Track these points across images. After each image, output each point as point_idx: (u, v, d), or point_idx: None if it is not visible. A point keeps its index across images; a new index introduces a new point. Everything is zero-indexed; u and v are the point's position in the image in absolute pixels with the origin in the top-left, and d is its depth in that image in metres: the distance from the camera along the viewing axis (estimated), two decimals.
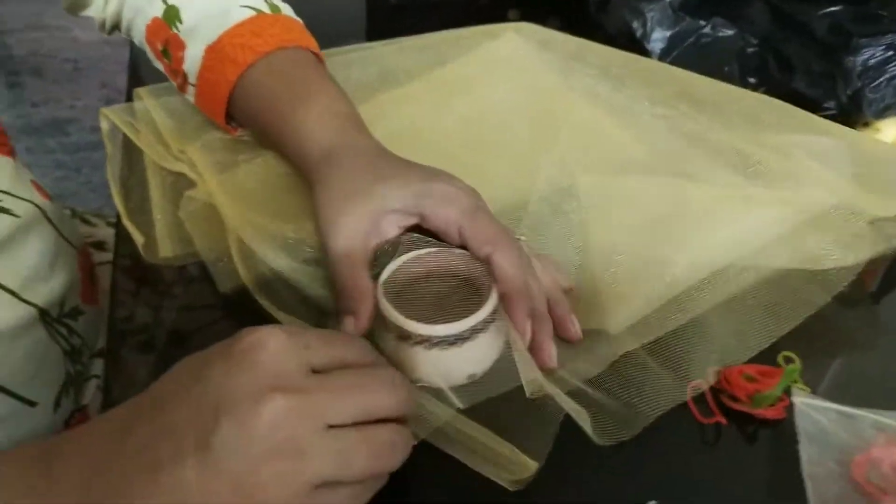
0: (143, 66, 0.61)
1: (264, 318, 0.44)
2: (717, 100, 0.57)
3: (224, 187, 0.48)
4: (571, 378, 0.40)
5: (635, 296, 0.44)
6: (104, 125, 0.56)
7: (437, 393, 0.38)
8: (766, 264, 0.47)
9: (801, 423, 0.40)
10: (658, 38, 0.65)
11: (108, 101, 1.91)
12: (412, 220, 0.41)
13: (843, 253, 0.46)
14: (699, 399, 0.41)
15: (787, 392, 0.41)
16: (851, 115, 0.61)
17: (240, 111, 0.51)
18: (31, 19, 2.17)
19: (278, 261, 0.44)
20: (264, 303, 0.42)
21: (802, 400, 0.41)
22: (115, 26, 0.57)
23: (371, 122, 0.49)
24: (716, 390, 0.42)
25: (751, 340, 0.44)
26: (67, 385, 0.51)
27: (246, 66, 0.48)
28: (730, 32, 0.66)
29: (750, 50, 0.66)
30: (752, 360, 0.43)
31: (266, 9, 0.51)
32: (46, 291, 0.49)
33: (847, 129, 0.55)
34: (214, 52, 0.49)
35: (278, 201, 0.49)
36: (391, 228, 0.41)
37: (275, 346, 0.29)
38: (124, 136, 0.55)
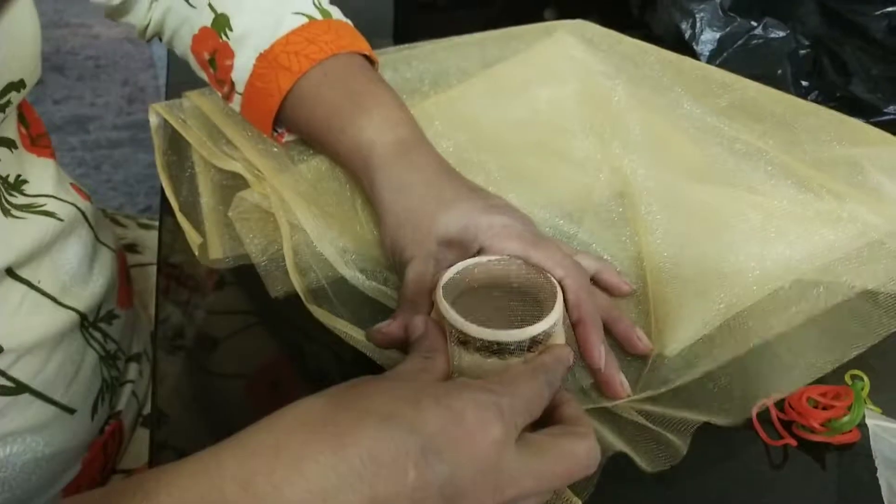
0: (174, 64, 0.60)
1: (300, 328, 0.43)
2: (778, 112, 0.55)
3: (285, 188, 0.47)
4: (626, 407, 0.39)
5: (693, 315, 0.42)
6: (153, 120, 0.55)
7: None
8: (832, 281, 0.45)
9: (878, 448, 0.38)
10: (708, 39, 0.63)
11: (130, 99, 1.91)
12: (472, 251, 0.41)
13: None
14: (764, 421, 0.39)
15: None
16: None
17: (292, 119, 0.50)
18: (54, 16, 2.17)
19: (342, 267, 0.43)
20: (315, 310, 0.41)
21: (877, 423, 0.39)
22: (157, 34, 0.56)
23: (425, 121, 0.48)
24: (785, 422, 0.40)
25: (812, 363, 0.42)
26: (103, 391, 0.50)
27: (301, 73, 0.47)
28: (781, 34, 0.63)
29: (802, 52, 0.63)
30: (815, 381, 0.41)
31: (318, 15, 0.50)
32: (86, 296, 0.48)
33: None
34: (266, 60, 0.48)
35: (338, 204, 0.48)
36: (451, 257, 0.41)
37: (495, 435, 0.29)
38: (171, 133, 0.54)
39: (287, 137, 0.52)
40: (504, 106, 0.57)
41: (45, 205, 0.46)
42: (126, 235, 0.66)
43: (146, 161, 1.70)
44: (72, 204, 0.48)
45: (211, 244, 0.47)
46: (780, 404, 0.40)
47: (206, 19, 0.50)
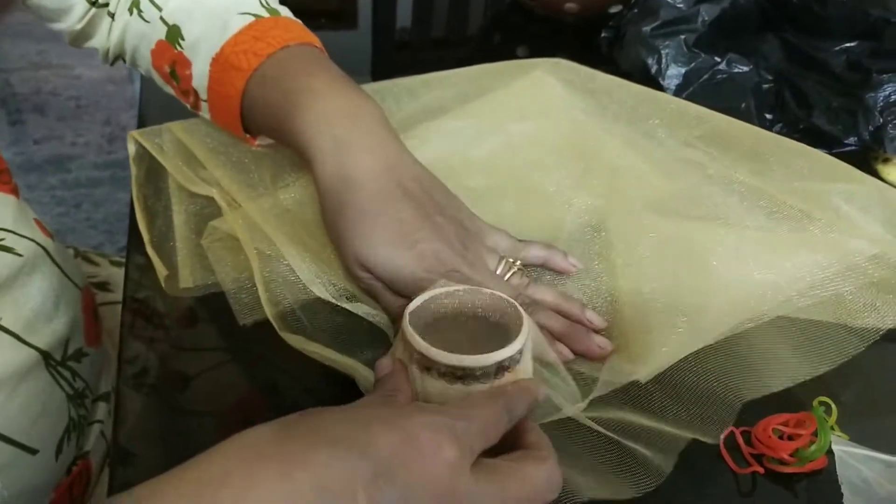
0: (151, 101, 0.60)
1: (270, 362, 0.43)
2: (748, 144, 0.56)
3: (259, 213, 0.47)
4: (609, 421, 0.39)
5: (665, 343, 0.42)
6: (131, 148, 0.55)
7: None
8: (799, 315, 0.45)
9: (844, 473, 0.38)
10: (673, 74, 0.65)
11: (111, 139, 1.92)
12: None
13: (885, 309, 0.45)
14: (731, 448, 0.39)
15: None
16: (871, 150, 0.61)
17: (251, 119, 0.49)
18: (35, 58, 2.18)
19: (318, 288, 0.43)
20: (287, 336, 0.41)
21: (843, 449, 0.39)
22: (119, 56, 0.57)
23: None
24: (754, 455, 0.40)
25: (773, 380, 0.42)
26: (70, 431, 0.49)
27: (251, 70, 0.47)
28: (745, 69, 0.65)
29: (766, 86, 0.65)
30: (777, 407, 0.41)
31: (265, 13, 0.50)
32: (49, 333, 0.47)
33: (876, 180, 0.53)
34: (219, 63, 0.48)
35: (313, 234, 0.48)
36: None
37: (449, 457, 0.28)
38: (148, 163, 0.54)
39: (260, 140, 0.52)
40: (479, 141, 0.57)
41: (3, 239, 0.45)
42: (98, 273, 0.66)
43: (126, 200, 1.69)
44: (31, 240, 0.48)
45: (182, 273, 0.47)
46: (746, 438, 0.40)
47: (161, 33, 0.50)
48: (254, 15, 0.49)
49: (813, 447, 0.38)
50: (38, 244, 0.48)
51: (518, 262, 0.46)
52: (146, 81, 0.67)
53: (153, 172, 0.54)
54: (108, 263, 0.68)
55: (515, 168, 0.56)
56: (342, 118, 0.44)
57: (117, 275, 0.67)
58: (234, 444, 0.28)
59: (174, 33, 0.50)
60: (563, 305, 0.44)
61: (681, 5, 0.66)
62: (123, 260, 0.69)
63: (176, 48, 0.50)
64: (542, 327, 0.42)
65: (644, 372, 0.41)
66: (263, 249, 0.45)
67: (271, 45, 0.47)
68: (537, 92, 0.63)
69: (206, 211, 0.51)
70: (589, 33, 0.74)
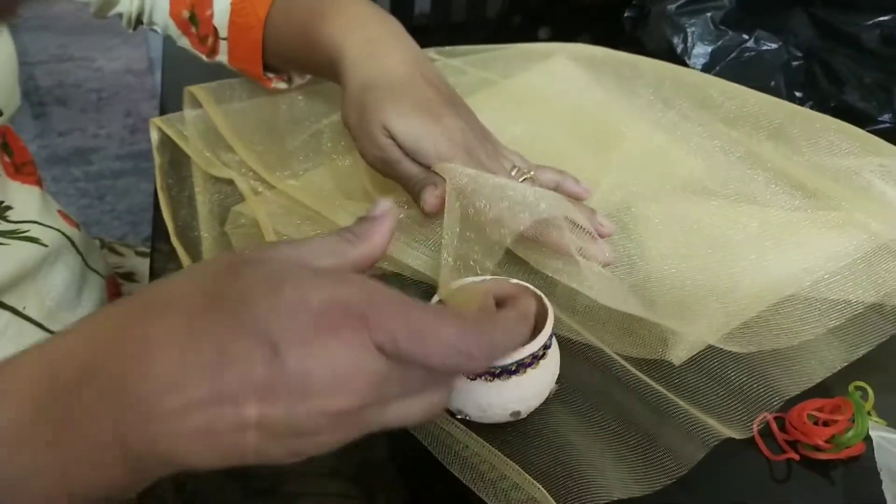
0: (172, 91, 0.60)
1: None
2: (777, 120, 0.55)
3: (284, 195, 0.48)
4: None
5: (696, 326, 0.41)
6: (154, 136, 0.56)
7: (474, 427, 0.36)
8: (833, 296, 0.44)
9: (882, 460, 0.37)
10: (700, 53, 0.63)
11: (133, 130, 1.93)
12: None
13: None
14: (766, 436, 0.38)
15: None
16: None
17: (274, 50, 0.51)
18: (57, 51, 2.20)
19: None
20: None
21: (881, 434, 0.38)
22: (139, 19, 0.58)
23: None
24: (789, 442, 0.39)
25: (821, 362, 0.41)
26: None
27: None
28: (773, 46, 0.64)
29: (795, 63, 0.63)
30: (812, 392, 0.40)
31: None
32: (72, 320, 0.48)
33: None
34: None
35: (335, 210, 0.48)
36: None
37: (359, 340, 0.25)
38: (171, 152, 0.54)
39: (275, 84, 0.54)
40: (502, 123, 0.57)
41: (28, 231, 0.46)
42: (123, 264, 0.66)
43: (149, 190, 1.71)
44: (57, 230, 0.48)
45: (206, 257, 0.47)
46: (780, 424, 0.39)
47: None
48: None
49: (850, 433, 0.37)
50: (63, 234, 0.49)
51: (531, 173, 0.46)
52: (167, 70, 0.67)
53: (176, 161, 0.54)
54: (134, 254, 0.69)
55: (541, 150, 0.55)
56: (371, 21, 0.46)
57: (142, 265, 0.67)
58: (142, 296, 0.26)
59: None
60: (571, 214, 0.44)
61: None
62: (148, 250, 0.70)
63: None
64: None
65: (678, 353, 0.40)
66: (282, 232, 0.46)
67: None
68: (560, 75, 0.62)
69: (229, 200, 0.51)
70: (612, 13, 0.73)
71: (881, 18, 0.61)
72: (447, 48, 0.65)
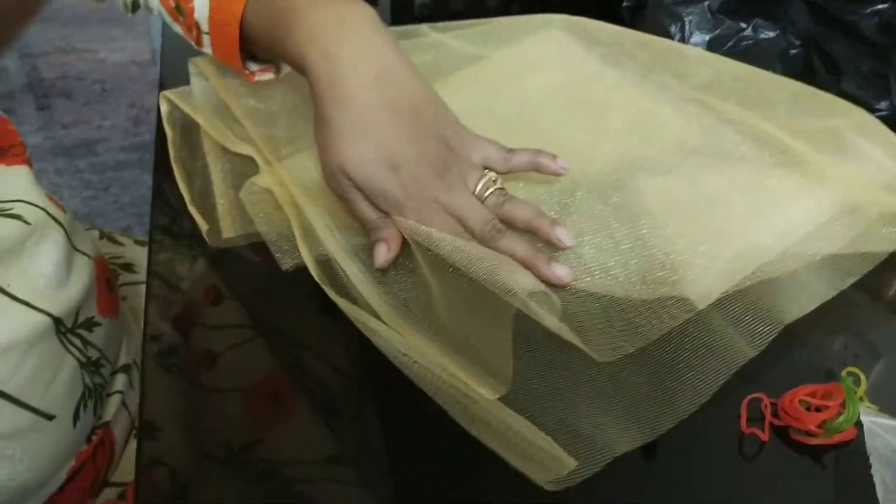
0: (172, 82, 0.60)
1: (295, 339, 0.44)
2: (753, 86, 0.58)
3: (287, 172, 0.49)
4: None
5: (712, 270, 0.44)
6: (164, 108, 0.56)
7: None
8: (819, 252, 0.46)
9: (873, 445, 0.38)
10: (697, 41, 0.63)
11: (137, 121, 1.93)
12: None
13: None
14: (755, 418, 0.39)
15: None
16: None
17: (252, 44, 0.50)
18: (60, 43, 2.20)
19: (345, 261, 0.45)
20: (324, 284, 0.42)
21: (872, 419, 0.38)
22: (136, 2, 0.58)
23: None
24: (778, 428, 0.39)
25: (815, 289, 0.44)
26: (85, 398, 0.50)
27: None
28: (771, 34, 0.63)
29: (793, 51, 0.63)
30: (803, 379, 0.40)
31: None
32: (63, 299, 0.48)
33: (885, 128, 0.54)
34: None
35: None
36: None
37: None
38: (181, 125, 0.55)
39: (258, 77, 0.53)
40: (494, 94, 0.58)
41: (11, 209, 0.46)
42: (123, 255, 0.67)
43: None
44: (41, 208, 0.48)
45: (223, 225, 0.48)
46: (772, 409, 0.39)
47: None
48: None
49: (841, 418, 0.38)
50: (48, 214, 0.49)
51: (498, 181, 0.47)
52: (166, 62, 0.67)
53: (186, 133, 0.55)
54: (133, 243, 0.69)
55: (532, 116, 0.57)
56: (329, 30, 0.45)
57: (142, 255, 0.67)
58: None
59: None
60: (533, 223, 0.45)
61: None
62: (147, 240, 0.70)
63: None
64: (505, 253, 0.43)
65: (698, 293, 0.42)
66: (297, 201, 0.47)
67: None
68: (551, 46, 0.64)
69: (240, 169, 0.52)
70: (610, 3, 0.73)
71: (880, 7, 0.61)
72: (440, 24, 0.65)
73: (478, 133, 0.49)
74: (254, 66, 0.53)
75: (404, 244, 0.45)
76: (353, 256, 0.45)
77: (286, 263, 0.46)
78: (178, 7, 0.52)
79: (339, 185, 0.45)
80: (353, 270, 0.43)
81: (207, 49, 0.53)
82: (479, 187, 0.46)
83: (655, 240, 0.46)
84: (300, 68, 0.46)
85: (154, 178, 0.55)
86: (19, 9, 0.26)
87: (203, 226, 0.48)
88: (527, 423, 0.35)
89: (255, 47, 0.51)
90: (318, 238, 0.45)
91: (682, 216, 0.47)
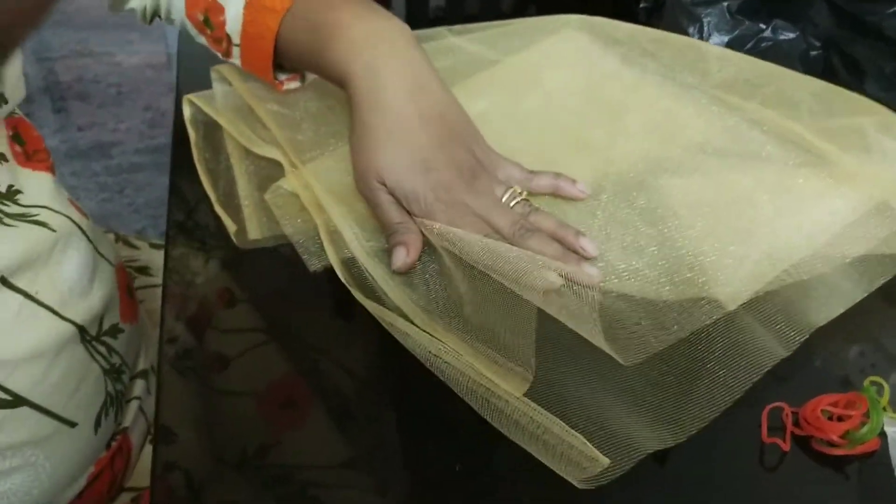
0: (188, 86, 0.60)
1: (310, 344, 0.43)
2: (774, 84, 0.57)
3: (312, 175, 0.49)
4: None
5: (741, 270, 0.43)
6: (187, 112, 0.57)
7: None
8: (849, 253, 0.45)
9: None
10: (716, 42, 0.63)
11: (152, 124, 1.95)
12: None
13: None
14: (777, 427, 0.38)
15: None
16: None
17: (286, 58, 0.52)
18: (77, 46, 2.22)
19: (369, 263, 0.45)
20: (351, 286, 0.43)
21: None
22: (156, 12, 0.59)
23: None
24: (800, 437, 0.38)
25: (845, 292, 0.44)
26: (107, 405, 0.50)
27: (284, 10, 0.49)
28: (791, 35, 0.63)
29: (814, 53, 0.62)
30: (825, 388, 0.40)
31: None
32: (86, 308, 0.49)
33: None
34: (253, 6, 0.50)
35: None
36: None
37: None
38: (204, 128, 0.56)
39: (286, 86, 0.55)
40: (514, 96, 0.59)
41: (37, 215, 0.46)
42: (139, 258, 0.67)
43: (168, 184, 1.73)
44: (66, 216, 0.49)
45: (249, 226, 0.49)
46: (794, 419, 0.39)
47: None
48: None
49: (864, 428, 0.37)
50: (72, 220, 0.49)
51: (524, 193, 0.48)
52: (183, 66, 0.67)
53: (209, 135, 0.56)
54: (149, 247, 0.69)
55: (554, 116, 0.57)
56: (370, 45, 0.47)
57: (157, 258, 0.68)
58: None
59: None
60: (558, 232, 0.46)
61: None
62: (163, 243, 0.70)
63: None
64: (535, 252, 0.44)
65: (727, 294, 0.42)
66: (323, 203, 0.48)
67: None
68: (570, 46, 0.64)
69: (265, 172, 0.52)
70: (627, 3, 0.72)
71: None
72: (457, 27, 0.66)
73: (502, 134, 0.50)
74: (282, 76, 0.54)
75: (429, 246, 0.46)
76: (381, 260, 0.45)
77: (314, 265, 0.46)
78: (206, 21, 0.53)
79: (369, 188, 0.46)
80: (379, 273, 0.44)
81: (236, 60, 0.54)
82: (505, 197, 0.47)
83: (682, 241, 0.46)
84: (340, 78, 0.48)
85: (171, 179, 0.55)
86: (19, 14, 0.26)
87: (231, 227, 0.48)
88: (559, 422, 0.35)
89: (286, 59, 0.52)
90: (344, 241, 0.46)
91: (709, 217, 0.47)
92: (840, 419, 0.38)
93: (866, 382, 0.40)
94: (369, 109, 0.46)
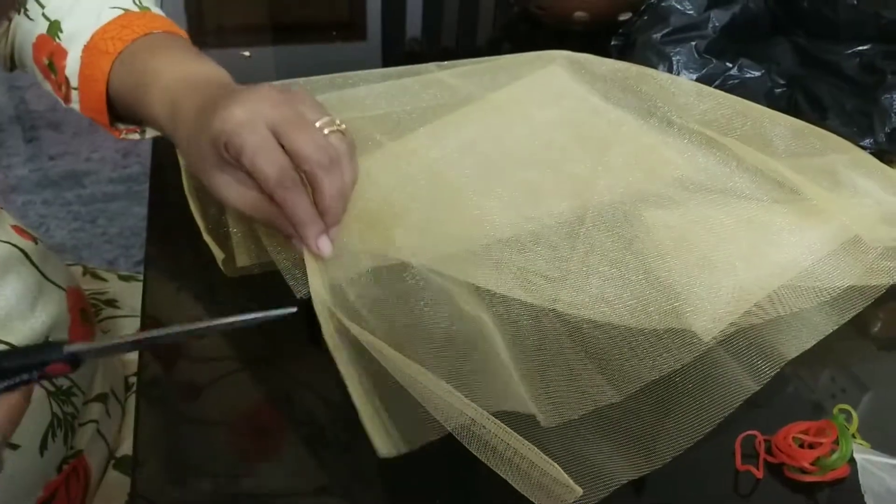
0: None
1: (282, 371, 0.43)
2: (750, 122, 0.60)
3: None
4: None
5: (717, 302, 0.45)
6: None
7: None
8: (822, 286, 0.47)
9: (866, 483, 0.38)
10: None
11: (125, 154, 1.93)
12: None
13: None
14: (749, 455, 0.39)
15: None
16: (887, 153, 0.60)
17: (118, 102, 0.52)
18: None
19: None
20: (337, 311, 0.42)
21: (865, 457, 0.38)
22: (13, 61, 0.60)
23: (431, 143, 0.55)
24: (773, 465, 0.39)
25: (815, 325, 0.45)
26: (54, 427, 0.49)
27: (116, 54, 0.50)
28: (757, 73, 0.65)
29: (778, 90, 0.65)
30: (796, 414, 0.41)
31: (134, 7, 0.54)
32: (25, 330, 0.48)
33: (879, 162, 0.56)
34: (89, 50, 0.52)
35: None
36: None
37: None
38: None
39: (125, 135, 0.55)
40: (501, 128, 0.60)
41: None
42: (107, 290, 0.66)
43: (141, 214, 1.71)
44: (7, 242, 0.49)
45: (238, 252, 0.49)
46: (766, 447, 0.39)
47: (42, 27, 0.54)
48: (123, 9, 0.53)
49: (834, 455, 0.38)
50: (15, 246, 0.49)
51: (342, 125, 0.45)
52: None
53: None
54: (117, 279, 0.69)
55: (537, 151, 0.58)
56: (178, 87, 0.48)
57: (126, 290, 0.67)
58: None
59: (55, 27, 0.54)
60: (334, 194, 0.43)
61: (691, 11, 0.66)
62: (132, 275, 0.70)
63: (55, 40, 0.53)
64: (290, 205, 0.42)
65: (702, 327, 0.43)
66: None
67: (135, 32, 0.51)
68: (555, 82, 0.65)
69: None
70: (599, 41, 0.74)
71: (860, 48, 0.62)
72: (445, 62, 0.67)
73: (486, 163, 0.52)
74: (121, 126, 0.55)
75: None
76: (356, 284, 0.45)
77: (300, 291, 0.46)
78: (50, 65, 0.54)
79: (219, 155, 0.43)
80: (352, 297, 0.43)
81: (75, 105, 0.54)
82: (320, 122, 0.44)
83: (660, 272, 0.47)
84: (154, 124, 0.49)
85: (149, 210, 0.55)
86: None
87: (219, 255, 0.48)
88: (535, 450, 0.35)
89: (119, 104, 0.53)
90: (326, 267, 0.45)
91: (686, 250, 0.48)
92: (811, 446, 0.38)
93: (835, 410, 0.41)
94: (173, 132, 0.47)
